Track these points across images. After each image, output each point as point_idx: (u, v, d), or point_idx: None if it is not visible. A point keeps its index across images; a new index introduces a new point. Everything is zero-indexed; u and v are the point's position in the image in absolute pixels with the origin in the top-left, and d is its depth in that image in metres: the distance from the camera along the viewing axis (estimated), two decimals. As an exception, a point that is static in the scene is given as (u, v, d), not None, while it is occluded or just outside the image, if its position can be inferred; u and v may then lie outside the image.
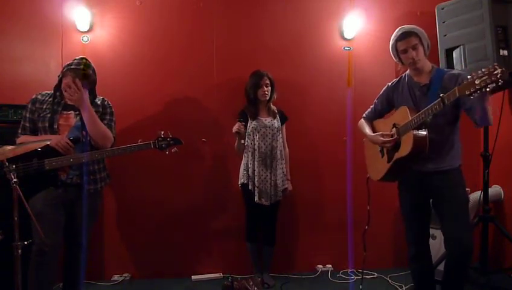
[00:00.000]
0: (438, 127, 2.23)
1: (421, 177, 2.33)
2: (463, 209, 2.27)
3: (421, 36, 2.31)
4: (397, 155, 2.30)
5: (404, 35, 2.32)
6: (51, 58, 3.31)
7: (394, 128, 2.36)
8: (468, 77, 1.90)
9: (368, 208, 2.76)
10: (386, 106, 2.57)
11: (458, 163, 2.32)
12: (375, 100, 2.65)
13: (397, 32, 2.37)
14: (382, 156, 2.47)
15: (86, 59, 2.49)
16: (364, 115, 2.71)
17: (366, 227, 2.79)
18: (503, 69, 1.80)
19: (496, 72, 1.79)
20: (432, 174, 2.29)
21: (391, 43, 2.41)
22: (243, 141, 3.14)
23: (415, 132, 2.19)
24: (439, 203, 2.33)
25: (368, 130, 2.61)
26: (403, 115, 2.31)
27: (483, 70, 1.84)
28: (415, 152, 2.19)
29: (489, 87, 1.82)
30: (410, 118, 2.21)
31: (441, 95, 2.04)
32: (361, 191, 3.47)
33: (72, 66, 2.42)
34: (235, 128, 3.09)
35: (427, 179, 2.31)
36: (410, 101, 2.37)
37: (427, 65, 2.38)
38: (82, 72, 2.42)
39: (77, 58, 2.48)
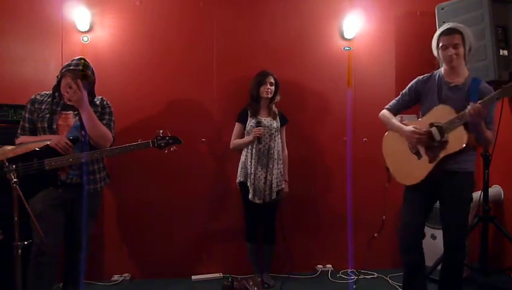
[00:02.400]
0: None
1: (435, 175, 2.33)
2: (462, 213, 2.35)
3: (465, 36, 2.30)
4: (445, 152, 2.26)
5: (449, 32, 2.32)
6: (51, 58, 3.31)
7: (434, 127, 2.30)
8: None
9: (384, 217, 2.74)
10: (414, 98, 2.52)
11: (472, 167, 2.36)
12: (401, 93, 2.59)
13: (444, 26, 2.37)
14: (419, 158, 2.38)
15: (85, 60, 2.49)
16: (388, 106, 2.61)
17: (375, 235, 2.77)
18: None
19: None
20: (448, 172, 2.31)
21: (435, 36, 2.41)
22: (260, 146, 3.13)
23: (466, 127, 2.21)
24: (445, 197, 2.37)
25: (396, 121, 2.51)
26: (442, 113, 2.29)
27: None
28: (468, 147, 2.21)
29: None
30: (457, 115, 2.22)
31: (504, 86, 2.11)
32: (362, 191, 3.51)
33: (71, 67, 2.42)
34: (257, 133, 3.07)
35: (442, 177, 2.33)
36: (436, 99, 2.37)
37: (463, 68, 2.37)
38: (81, 73, 2.42)
39: (76, 58, 2.48)
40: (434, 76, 2.46)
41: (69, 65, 2.44)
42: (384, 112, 2.61)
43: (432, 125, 2.32)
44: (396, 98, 2.62)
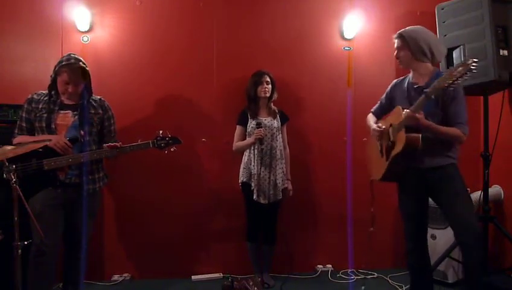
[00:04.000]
0: None
1: (418, 174, 2.38)
2: (463, 196, 2.33)
3: (407, 39, 2.37)
4: (392, 153, 2.35)
5: (395, 36, 2.45)
6: (51, 58, 3.26)
7: (391, 128, 2.39)
8: (446, 70, 2.12)
9: (372, 209, 2.76)
10: (389, 102, 2.61)
11: (453, 160, 2.38)
12: (381, 97, 2.69)
13: None
14: (382, 156, 2.49)
15: (74, 54, 2.50)
16: (372, 110, 2.75)
17: (372, 229, 2.80)
18: (475, 59, 2.01)
19: (469, 62, 2.00)
20: (428, 170, 2.35)
21: None
22: (263, 146, 3.13)
23: (406, 130, 2.25)
24: (439, 195, 2.38)
25: (372, 122, 2.65)
26: (397, 114, 2.36)
27: (458, 64, 2.07)
28: (407, 149, 2.24)
29: (465, 77, 2.03)
30: (403, 117, 2.27)
31: (424, 90, 2.18)
32: (362, 191, 3.49)
33: (63, 63, 2.42)
34: (258, 135, 3.07)
35: (424, 175, 2.36)
36: (406, 101, 2.42)
37: (424, 68, 2.41)
38: (76, 66, 2.42)
39: (64, 55, 2.49)
40: (405, 79, 2.53)
41: (60, 62, 2.44)
42: (368, 115, 2.75)
43: (390, 125, 2.41)
44: (378, 102, 2.72)
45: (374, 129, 2.54)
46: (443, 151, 2.35)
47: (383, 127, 2.48)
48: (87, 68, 2.51)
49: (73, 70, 2.41)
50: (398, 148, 2.29)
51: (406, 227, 2.52)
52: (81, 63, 2.47)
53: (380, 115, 2.69)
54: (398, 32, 2.44)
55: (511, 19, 2.89)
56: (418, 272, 2.52)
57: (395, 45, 2.44)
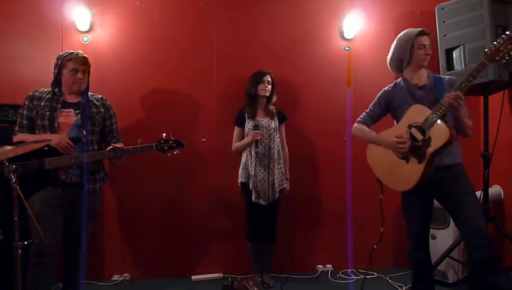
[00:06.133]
0: None
1: (428, 174, 2.33)
2: (469, 196, 2.31)
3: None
4: (431, 149, 2.23)
5: (425, 33, 2.43)
6: (50, 58, 3.23)
7: (413, 128, 2.29)
8: (491, 46, 2.14)
9: (382, 229, 2.75)
10: (385, 109, 2.57)
11: (459, 160, 2.40)
12: (370, 105, 2.61)
13: (414, 29, 2.45)
14: (408, 162, 2.34)
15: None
16: (360, 120, 2.61)
17: (375, 246, 2.79)
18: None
19: None
20: (437, 169, 2.32)
21: (407, 38, 2.44)
22: (260, 147, 3.13)
23: (444, 120, 2.21)
24: (446, 195, 2.37)
25: (374, 133, 2.52)
26: (416, 113, 2.30)
27: (503, 37, 2.08)
28: (451, 139, 2.20)
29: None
30: (432, 110, 2.22)
31: (468, 73, 2.16)
32: (361, 191, 3.50)
33: (65, 55, 2.48)
34: (255, 137, 3.09)
35: (435, 175, 2.33)
36: (411, 101, 2.41)
37: (424, 69, 2.50)
38: (79, 54, 2.49)
39: (60, 53, 2.53)
40: (398, 84, 2.52)
41: (61, 57, 2.48)
42: (357, 126, 2.60)
43: (410, 126, 2.31)
44: (366, 111, 2.61)
45: (397, 142, 2.32)
46: (452, 152, 2.34)
47: (405, 136, 2.32)
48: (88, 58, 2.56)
49: (78, 58, 2.47)
50: (439, 141, 2.20)
51: (409, 227, 2.51)
52: (80, 52, 2.53)
53: (371, 124, 2.58)
54: (424, 30, 2.44)
55: (511, 19, 2.89)
56: (420, 272, 2.52)
57: (428, 42, 2.43)
